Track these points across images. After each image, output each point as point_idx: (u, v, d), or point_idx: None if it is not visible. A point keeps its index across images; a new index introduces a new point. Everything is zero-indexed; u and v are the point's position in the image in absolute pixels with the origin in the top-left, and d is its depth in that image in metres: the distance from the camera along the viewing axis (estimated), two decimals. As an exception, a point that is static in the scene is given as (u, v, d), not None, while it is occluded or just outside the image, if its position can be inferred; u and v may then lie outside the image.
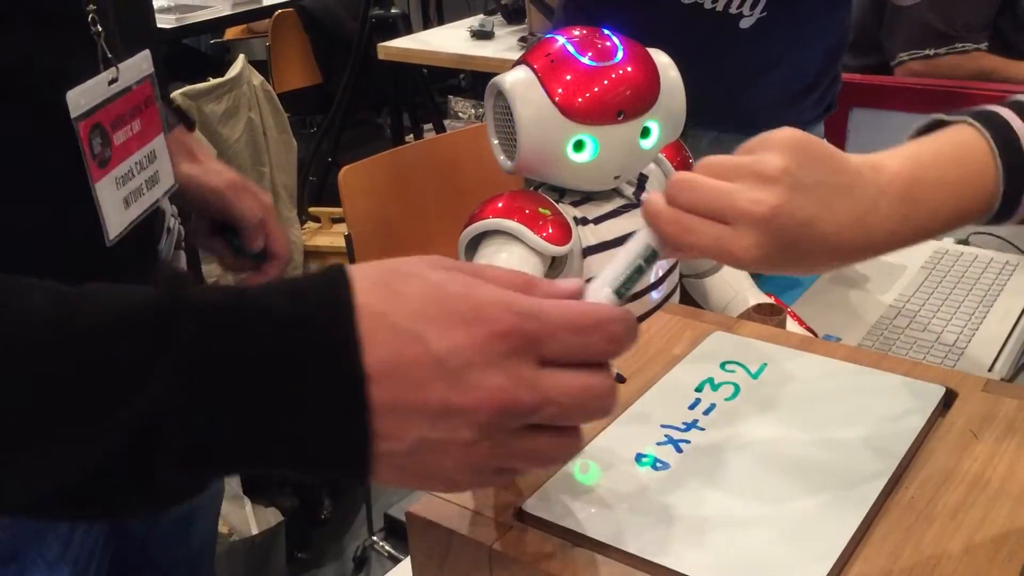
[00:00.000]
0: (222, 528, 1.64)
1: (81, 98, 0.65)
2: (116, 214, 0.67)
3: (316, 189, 3.12)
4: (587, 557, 0.52)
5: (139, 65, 0.71)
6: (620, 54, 0.75)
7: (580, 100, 0.73)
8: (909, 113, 1.64)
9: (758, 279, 1.39)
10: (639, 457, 0.59)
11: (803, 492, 0.55)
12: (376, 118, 3.89)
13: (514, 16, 2.93)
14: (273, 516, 1.73)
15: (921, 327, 1.17)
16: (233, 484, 1.77)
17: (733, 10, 1.19)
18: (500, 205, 0.74)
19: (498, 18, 2.94)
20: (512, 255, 0.72)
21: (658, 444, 0.60)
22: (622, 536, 0.53)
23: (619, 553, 0.52)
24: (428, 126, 3.40)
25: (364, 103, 3.54)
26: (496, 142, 0.77)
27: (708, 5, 1.19)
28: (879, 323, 1.18)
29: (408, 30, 3.15)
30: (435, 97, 3.49)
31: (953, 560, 0.50)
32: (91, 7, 0.66)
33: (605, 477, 0.58)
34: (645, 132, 0.76)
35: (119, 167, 0.68)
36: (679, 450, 0.60)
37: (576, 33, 0.77)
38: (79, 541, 0.70)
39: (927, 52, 1.82)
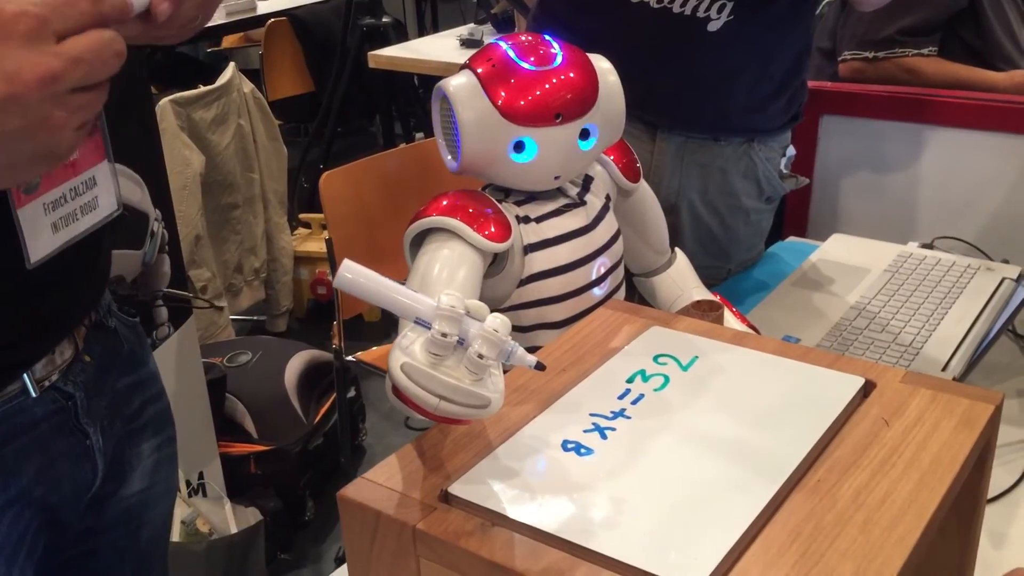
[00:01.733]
0: (202, 527, 1.67)
1: None
2: (41, 238, 0.67)
3: (307, 196, 3.16)
4: (505, 536, 0.55)
5: None
6: (559, 59, 0.78)
7: (520, 103, 0.76)
8: (879, 120, 1.67)
9: (732, 279, 1.42)
10: (565, 443, 0.62)
11: (716, 476, 0.58)
12: (369, 126, 3.93)
13: (503, 25, 2.96)
14: (253, 516, 1.76)
15: (880, 328, 1.19)
16: (216, 485, 1.79)
17: (700, 14, 1.22)
18: (445, 203, 0.77)
19: (488, 27, 2.98)
20: (454, 251, 0.75)
21: (585, 431, 0.63)
22: (539, 516, 0.55)
23: (535, 532, 0.55)
24: (421, 134, 3.44)
25: (357, 111, 3.58)
26: (443, 143, 0.80)
27: (676, 9, 1.22)
28: (839, 324, 1.21)
29: (403, 38, 3.19)
30: (426, 105, 3.52)
31: (849, 537, 0.52)
32: None
33: (530, 462, 0.60)
34: (584, 134, 0.79)
35: (49, 193, 0.68)
36: (604, 437, 0.62)
37: (520, 39, 0.80)
38: (6, 529, 0.72)
39: (866, 55, 1.86)
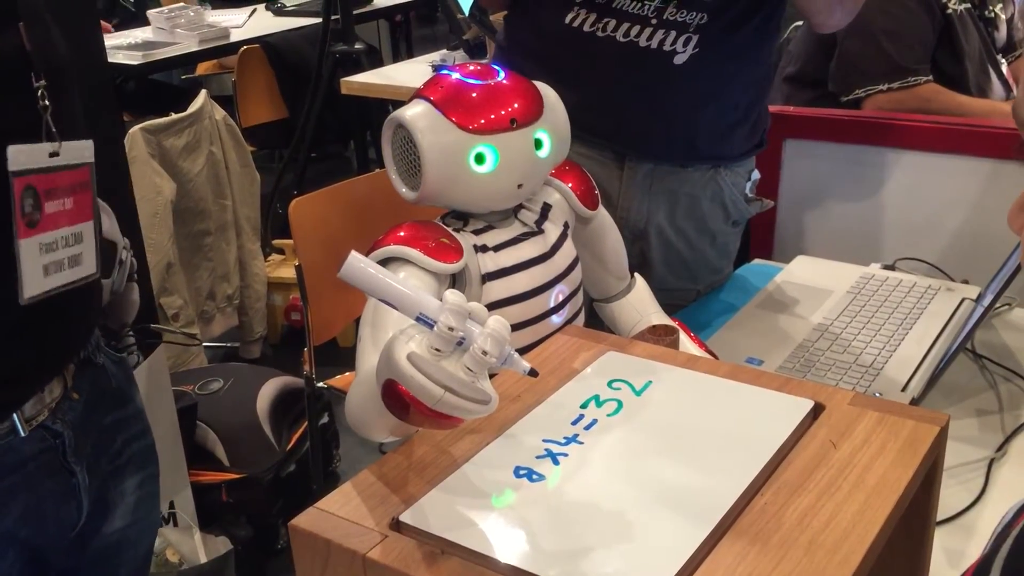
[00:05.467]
0: (172, 557, 1.65)
1: (20, 155, 0.68)
2: (34, 277, 0.70)
3: (281, 222, 3.16)
4: (455, 564, 0.55)
5: (82, 151, 0.76)
6: (503, 75, 0.82)
7: (477, 113, 0.79)
8: (842, 144, 1.70)
9: (699, 301, 1.43)
10: (517, 470, 0.62)
11: (665, 500, 0.59)
12: (344, 152, 3.94)
13: (476, 51, 2.98)
14: (223, 545, 1.75)
15: (842, 349, 1.21)
16: (186, 515, 1.78)
17: (667, 47, 1.23)
18: (401, 234, 0.79)
19: (460, 53, 3.00)
20: (410, 276, 0.76)
21: (537, 457, 0.63)
22: (490, 544, 0.56)
23: (486, 559, 0.55)
24: (395, 159, 3.44)
25: (331, 137, 3.58)
26: (396, 176, 0.81)
27: (643, 43, 1.23)
28: (801, 346, 1.22)
29: (377, 64, 3.21)
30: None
31: (794, 560, 0.53)
32: (41, 83, 0.71)
33: (482, 488, 0.61)
34: (538, 143, 0.81)
35: (46, 234, 0.71)
36: (556, 463, 0.63)
37: (464, 66, 0.83)
38: None
39: (880, 87, 1.87)
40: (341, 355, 2.77)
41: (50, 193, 0.72)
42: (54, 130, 0.71)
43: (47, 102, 0.71)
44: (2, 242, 0.68)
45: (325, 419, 2.21)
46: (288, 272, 2.91)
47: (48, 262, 0.71)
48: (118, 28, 3.61)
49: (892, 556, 0.67)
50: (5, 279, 0.67)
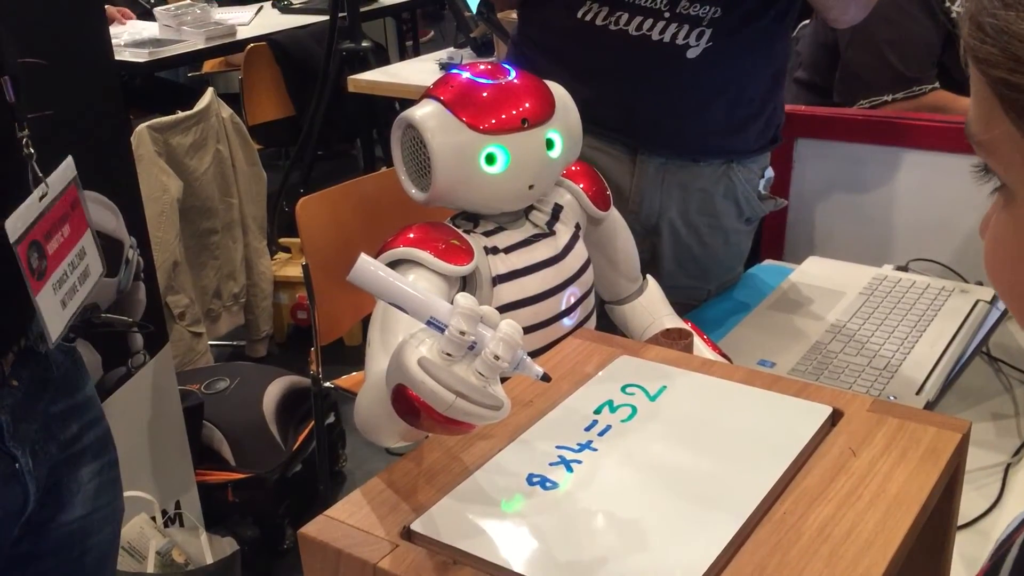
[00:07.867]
0: (178, 557, 1.64)
1: (18, 222, 0.68)
2: (56, 318, 0.71)
3: (287, 220, 3.15)
4: (467, 574, 0.54)
5: (65, 173, 0.75)
6: (514, 74, 0.82)
7: (488, 113, 0.78)
8: (854, 143, 1.68)
9: (711, 302, 1.42)
10: (531, 477, 0.61)
11: (683, 509, 0.57)
12: (351, 150, 3.93)
13: (483, 49, 2.97)
14: (229, 546, 1.74)
15: (855, 351, 1.19)
16: (191, 515, 1.77)
17: (680, 41, 1.22)
18: (411, 236, 0.78)
19: (467, 51, 2.98)
20: (420, 278, 0.75)
21: (551, 464, 0.62)
22: (503, 553, 0.55)
23: (499, 570, 0.54)
24: (402, 157, 3.43)
25: (337, 135, 3.57)
26: (405, 177, 0.80)
27: (656, 37, 1.22)
28: (814, 348, 1.20)
29: (384, 62, 3.19)
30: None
31: (815, 571, 0.52)
32: (24, 133, 0.70)
33: (495, 497, 0.60)
34: (549, 144, 0.80)
35: (55, 273, 0.72)
36: (570, 470, 0.62)
37: (475, 65, 0.83)
38: None
39: (885, 98, 1.86)
40: (348, 354, 2.76)
41: (49, 234, 0.72)
42: (40, 175, 0.71)
43: (31, 149, 0.70)
44: (14, 304, 0.69)
45: (331, 419, 2.20)
46: (294, 271, 2.90)
47: (63, 295, 0.72)
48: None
49: (911, 564, 0.65)
50: (26, 341, 0.69)
